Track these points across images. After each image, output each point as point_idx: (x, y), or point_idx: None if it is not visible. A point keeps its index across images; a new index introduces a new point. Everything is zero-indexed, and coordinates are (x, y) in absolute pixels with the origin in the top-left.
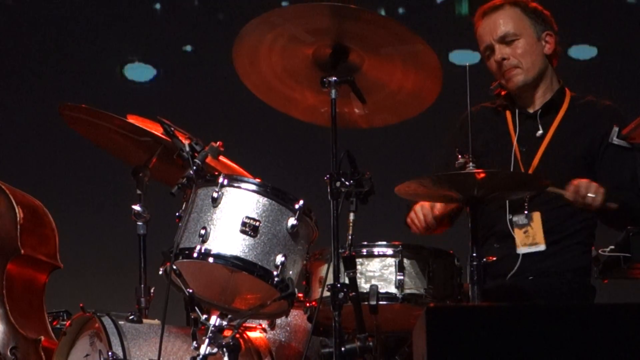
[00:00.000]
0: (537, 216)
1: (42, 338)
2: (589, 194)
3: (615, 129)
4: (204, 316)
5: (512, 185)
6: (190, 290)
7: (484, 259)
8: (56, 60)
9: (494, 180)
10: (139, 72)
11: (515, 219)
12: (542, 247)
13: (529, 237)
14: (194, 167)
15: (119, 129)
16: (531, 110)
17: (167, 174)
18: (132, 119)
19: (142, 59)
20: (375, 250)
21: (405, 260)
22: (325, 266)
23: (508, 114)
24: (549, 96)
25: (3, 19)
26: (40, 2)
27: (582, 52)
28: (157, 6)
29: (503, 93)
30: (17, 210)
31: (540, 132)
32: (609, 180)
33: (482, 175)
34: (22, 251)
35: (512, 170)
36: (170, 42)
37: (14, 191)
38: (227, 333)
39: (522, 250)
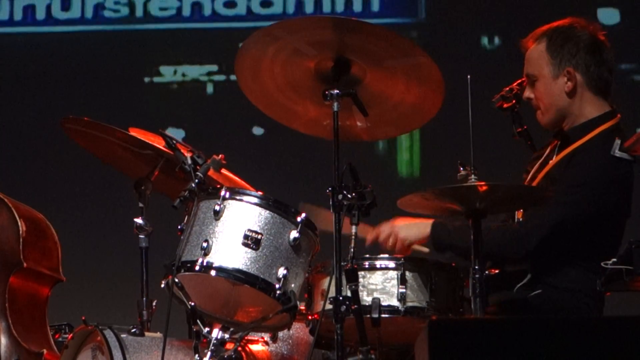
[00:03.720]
0: None
1: (45, 351)
2: (390, 238)
3: (617, 141)
4: (206, 329)
5: (513, 198)
6: (192, 303)
7: (487, 272)
8: (59, 72)
9: (496, 193)
10: None
11: None
12: None
13: None
14: (196, 180)
15: (120, 141)
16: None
17: (169, 187)
18: (134, 132)
19: None
20: (378, 263)
21: (407, 273)
22: (328, 279)
23: (554, 141)
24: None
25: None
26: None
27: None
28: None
29: (505, 106)
30: (19, 224)
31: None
32: None
33: (484, 188)
34: (25, 264)
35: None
36: None
37: (16, 204)
38: (229, 346)
39: None
